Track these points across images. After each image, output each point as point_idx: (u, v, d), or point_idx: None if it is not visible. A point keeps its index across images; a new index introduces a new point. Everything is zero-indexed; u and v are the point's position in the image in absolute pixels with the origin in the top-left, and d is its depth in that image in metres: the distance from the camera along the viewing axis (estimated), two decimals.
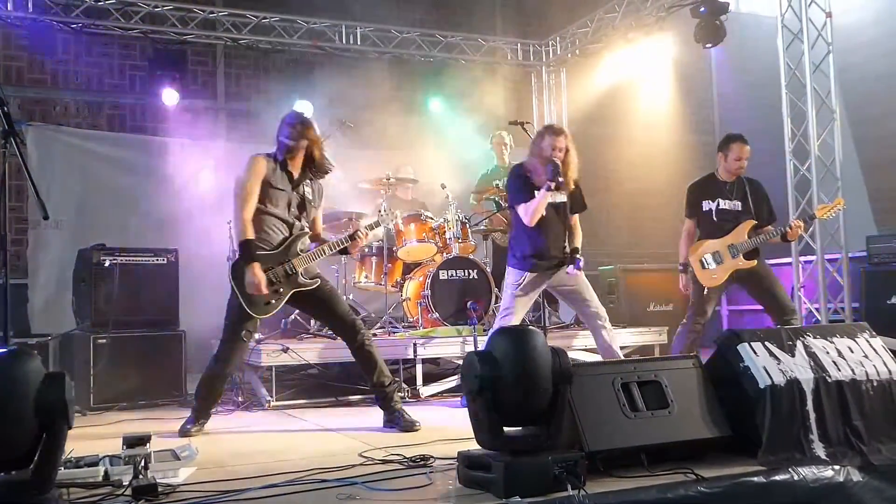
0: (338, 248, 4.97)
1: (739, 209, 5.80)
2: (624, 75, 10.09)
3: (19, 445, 2.78)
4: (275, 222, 4.77)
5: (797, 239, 6.19)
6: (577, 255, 5.24)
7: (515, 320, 5.27)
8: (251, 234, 4.64)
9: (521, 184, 5.24)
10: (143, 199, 8.50)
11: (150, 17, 8.67)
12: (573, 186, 5.26)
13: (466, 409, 3.27)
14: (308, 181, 4.91)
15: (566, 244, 5.27)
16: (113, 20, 8.53)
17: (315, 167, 4.88)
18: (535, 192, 5.14)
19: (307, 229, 4.92)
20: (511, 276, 5.35)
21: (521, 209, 5.20)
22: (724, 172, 5.90)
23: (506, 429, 3.14)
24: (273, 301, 4.71)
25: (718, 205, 5.82)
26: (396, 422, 4.72)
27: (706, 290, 5.76)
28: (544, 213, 5.15)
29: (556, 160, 5.06)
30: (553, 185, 5.02)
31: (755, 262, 5.72)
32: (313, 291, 4.84)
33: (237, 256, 4.74)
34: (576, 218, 5.39)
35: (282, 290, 4.74)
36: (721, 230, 5.77)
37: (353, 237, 4.95)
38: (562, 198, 5.24)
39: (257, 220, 4.73)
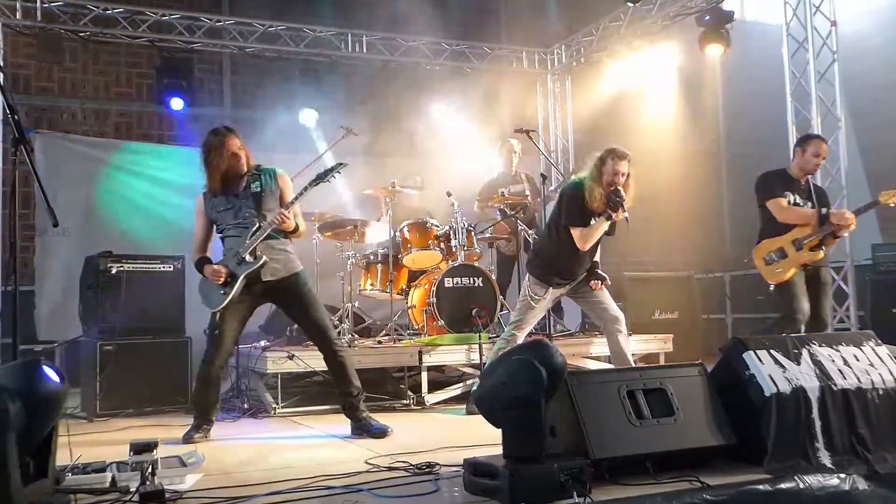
0: (273, 226, 4.83)
1: (808, 208, 5.70)
2: (629, 83, 10.10)
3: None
4: (234, 234, 4.89)
5: (847, 233, 5.75)
6: (600, 271, 5.29)
7: (525, 332, 5.32)
8: (196, 258, 4.99)
9: (580, 206, 5.21)
10: (150, 206, 8.55)
11: (157, 25, 8.73)
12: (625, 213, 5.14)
13: (471, 416, 3.27)
14: (250, 178, 4.92)
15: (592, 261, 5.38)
16: (121, 29, 8.58)
17: (246, 167, 4.90)
18: (593, 217, 5.16)
19: (263, 221, 4.84)
20: (534, 288, 5.39)
21: (578, 234, 5.20)
22: (798, 169, 5.77)
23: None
24: (225, 290, 4.84)
25: (794, 200, 5.71)
26: (366, 428, 4.80)
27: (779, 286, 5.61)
28: None
29: (620, 189, 5.07)
30: (614, 214, 5.05)
31: (820, 253, 5.61)
32: (286, 288, 4.90)
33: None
34: None
35: (230, 279, 4.85)
36: (786, 227, 5.66)
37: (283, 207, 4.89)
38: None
39: (224, 240, 4.97)
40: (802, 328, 5.55)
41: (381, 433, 4.73)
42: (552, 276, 5.39)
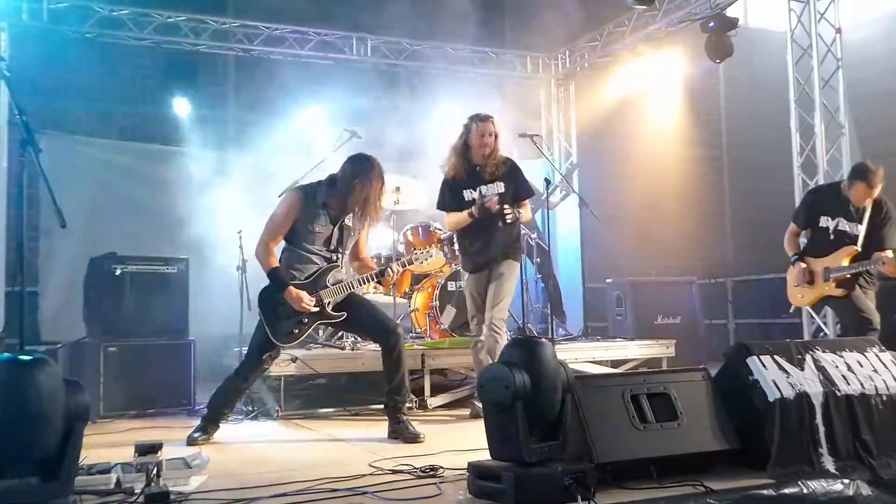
0: (362, 286, 5.00)
1: (851, 233, 5.40)
2: (632, 89, 10.13)
3: (47, 448, 2.85)
4: (309, 258, 4.80)
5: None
6: (394, 265, 5.21)
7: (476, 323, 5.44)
8: (275, 263, 4.74)
9: (444, 187, 5.51)
10: (155, 207, 8.54)
11: (163, 27, 8.76)
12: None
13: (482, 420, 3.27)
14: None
15: None
16: (127, 30, 8.61)
17: (364, 209, 4.78)
18: (465, 189, 5.35)
19: (340, 262, 4.89)
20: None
21: (445, 218, 5.53)
22: (848, 192, 5.43)
23: None
24: (296, 331, 4.76)
25: (838, 225, 5.45)
26: (401, 433, 4.72)
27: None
28: None
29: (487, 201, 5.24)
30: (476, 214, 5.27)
31: (845, 291, 5.36)
32: (345, 308, 4.86)
33: (267, 285, 4.80)
34: None
35: (307, 320, 4.77)
36: (829, 249, 5.44)
37: (382, 273, 4.91)
38: None
39: (291, 255, 4.82)
40: (876, 326, 5.28)
41: (414, 439, 4.65)
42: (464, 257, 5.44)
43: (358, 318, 4.90)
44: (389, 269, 4.88)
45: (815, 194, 5.84)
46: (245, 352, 5.12)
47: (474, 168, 5.31)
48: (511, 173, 5.30)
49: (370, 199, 4.73)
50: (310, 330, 4.79)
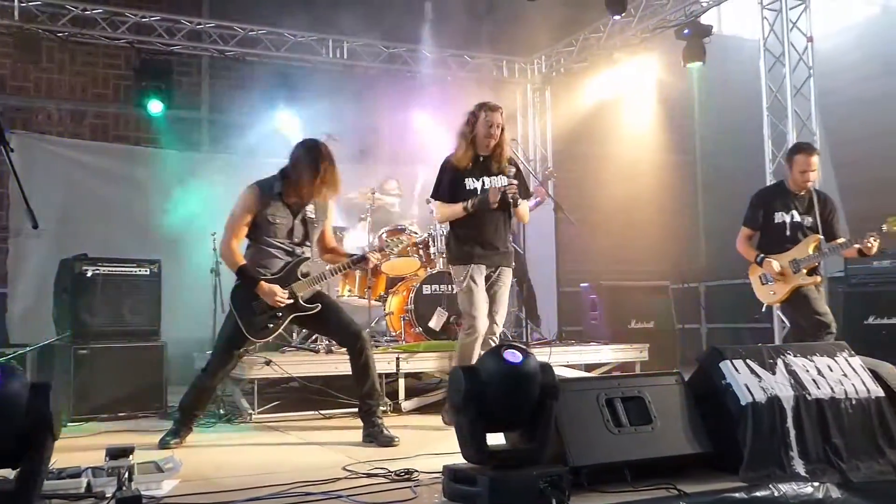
0: (338, 273, 4.98)
1: (808, 224, 5.63)
2: (608, 95, 10.20)
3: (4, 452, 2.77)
4: (275, 252, 4.77)
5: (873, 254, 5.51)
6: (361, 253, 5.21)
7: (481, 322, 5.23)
8: (242, 260, 4.70)
9: (444, 176, 5.34)
10: (127, 209, 8.46)
11: (136, 27, 8.67)
12: None
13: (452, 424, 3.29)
14: (312, 202, 4.84)
15: None
16: (99, 30, 8.52)
17: (319, 194, 4.77)
18: (466, 180, 5.23)
19: (309, 254, 4.88)
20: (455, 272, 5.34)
21: (436, 206, 5.39)
22: (793, 183, 5.72)
23: (491, 443, 3.17)
24: (271, 326, 4.73)
25: (793, 218, 5.65)
26: (375, 437, 4.71)
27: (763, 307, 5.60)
28: None
29: (513, 187, 5.13)
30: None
31: (818, 278, 5.57)
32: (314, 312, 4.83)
33: (237, 282, 4.76)
34: None
35: (280, 314, 4.74)
36: (787, 244, 5.63)
37: (362, 259, 4.91)
38: None
39: (256, 252, 4.77)
40: (834, 329, 5.43)
41: (389, 442, 4.63)
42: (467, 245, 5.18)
43: (325, 320, 4.88)
44: (369, 255, 4.90)
45: (764, 194, 5.94)
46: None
47: (478, 158, 5.21)
48: (517, 173, 5.23)
49: (323, 182, 4.69)
50: (284, 324, 4.76)
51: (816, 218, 5.60)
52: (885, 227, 5.47)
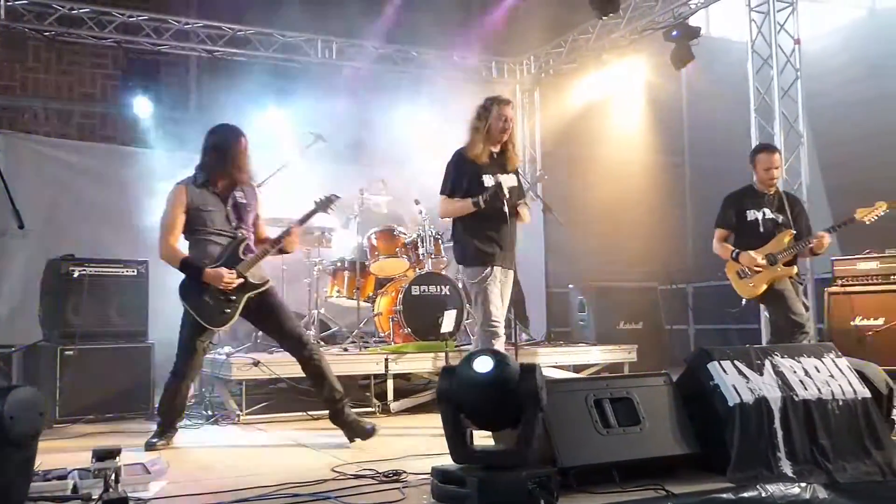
0: (277, 246, 4.87)
1: (780, 221, 5.78)
2: (597, 96, 10.22)
3: None
4: (215, 240, 4.75)
5: (824, 251, 5.80)
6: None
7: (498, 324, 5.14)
8: (183, 254, 4.71)
9: (454, 171, 5.24)
10: (113, 209, 8.39)
11: (124, 26, 8.63)
12: None
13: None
14: (238, 186, 4.87)
15: None
16: (86, 29, 8.47)
17: (238, 172, 4.83)
18: (479, 176, 5.14)
19: (245, 234, 4.85)
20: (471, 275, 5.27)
21: (440, 201, 5.29)
22: (760, 183, 5.88)
23: (480, 444, 3.17)
24: (228, 311, 4.70)
25: (765, 215, 5.78)
26: (355, 430, 4.71)
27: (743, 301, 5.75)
28: None
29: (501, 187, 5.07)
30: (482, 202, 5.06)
31: (795, 268, 5.69)
32: (264, 300, 4.79)
33: (184, 278, 4.73)
34: None
35: (234, 297, 4.70)
36: (761, 241, 5.71)
37: (287, 232, 4.88)
38: None
39: (195, 245, 4.76)
40: (809, 329, 5.54)
41: (371, 433, 4.66)
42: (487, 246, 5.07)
43: (273, 324, 4.85)
44: (292, 227, 4.90)
45: (734, 195, 6.00)
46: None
47: (492, 154, 5.13)
48: (521, 172, 5.19)
49: (237, 160, 4.76)
50: (241, 306, 4.71)
51: (788, 215, 5.77)
52: (856, 216, 5.75)
